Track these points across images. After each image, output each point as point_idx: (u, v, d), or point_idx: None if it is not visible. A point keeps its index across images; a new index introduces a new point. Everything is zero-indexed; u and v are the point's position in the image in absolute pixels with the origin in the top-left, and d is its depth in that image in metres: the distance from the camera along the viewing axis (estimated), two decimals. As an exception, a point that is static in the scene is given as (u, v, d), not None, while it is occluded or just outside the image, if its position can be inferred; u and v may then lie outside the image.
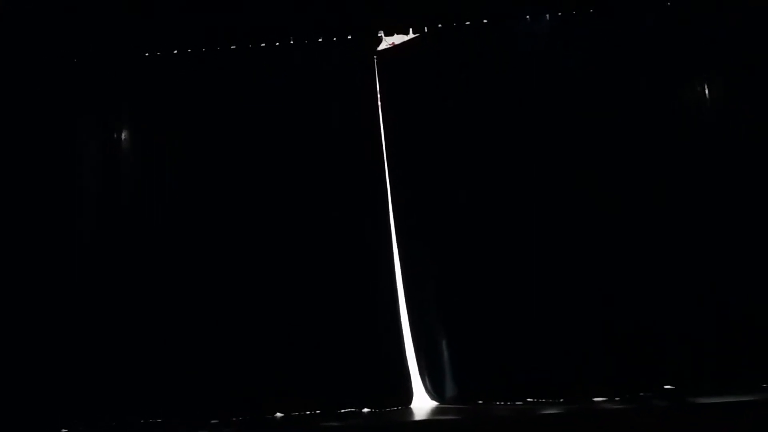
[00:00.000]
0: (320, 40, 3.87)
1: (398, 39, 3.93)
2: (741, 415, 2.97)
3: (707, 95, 3.60)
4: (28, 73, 3.88)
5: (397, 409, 3.56)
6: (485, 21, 3.79)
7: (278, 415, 3.60)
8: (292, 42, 3.88)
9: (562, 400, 3.41)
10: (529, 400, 3.46)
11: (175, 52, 3.90)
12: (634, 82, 3.61)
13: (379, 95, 3.88)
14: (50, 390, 3.60)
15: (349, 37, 3.87)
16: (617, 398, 3.35)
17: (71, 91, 3.89)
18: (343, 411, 3.57)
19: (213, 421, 3.54)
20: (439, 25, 3.83)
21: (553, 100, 3.65)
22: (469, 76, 3.75)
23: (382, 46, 3.91)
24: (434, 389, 3.63)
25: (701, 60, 3.62)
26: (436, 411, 3.49)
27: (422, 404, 3.61)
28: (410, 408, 3.57)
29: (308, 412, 3.58)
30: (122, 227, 3.79)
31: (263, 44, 3.88)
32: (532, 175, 3.63)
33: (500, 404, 3.48)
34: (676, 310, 3.41)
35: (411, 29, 3.87)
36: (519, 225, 3.60)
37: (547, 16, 3.75)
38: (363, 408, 3.59)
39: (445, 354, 3.60)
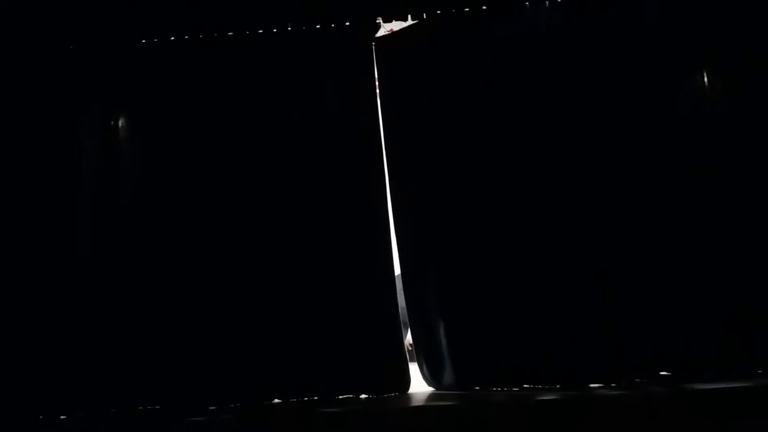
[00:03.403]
0: (318, 26, 3.86)
1: (396, 26, 3.92)
2: (737, 401, 2.97)
3: (714, 89, 3.56)
4: (24, 60, 3.87)
5: (395, 395, 3.58)
6: (484, 7, 3.77)
7: (276, 401, 3.62)
8: (290, 28, 3.86)
9: (558, 386, 3.42)
10: (525, 386, 3.48)
11: (173, 38, 3.88)
12: (639, 73, 3.57)
13: (377, 82, 3.87)
14: (49, 377, 3.61)
15: (347, 24, 3.85)
16: (613, 385, 3.37)
17: (67, 79, 3.87)
18: (341, 397, 3.59)
19: (211, 408, 3.56)
20: (438, 12, 3.81)
21: (555, 88, 3.62)
22: (469, 64, 3.73)
23: (380, 33, 3.90)
24: (432, 375, 3.65)
25: (707, 51, 3.58)
26: (433, 397, 3.50)
27: (420, 390, 3.63)
28: (408, 394, 3.58)
29: (306, 399, 3.60)
30: (120, 216, 3.79)
31: (261, 30, 3.87)
32: (532, 163, 3.61)
33: (497, 390, 3.50)
34: (673, 297, 3.42)
35: (410, 15, 3.85)
36: (517, 213, 3.60)
37: (547, 2, 3.73)
38: (361, 394, 3.61)
39: (443, 341, 3.61)
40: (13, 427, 3.53)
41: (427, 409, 3.29)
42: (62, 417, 3.62)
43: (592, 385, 3.39)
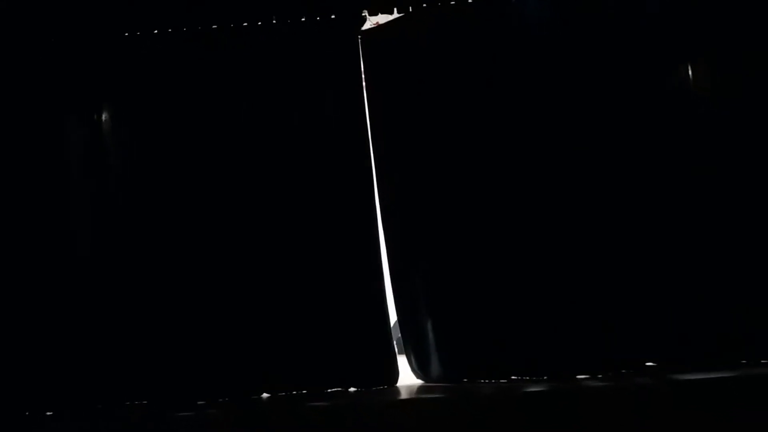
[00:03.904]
0: (303, 19, 3.83)
1: (383, 18, 3.90)
2: (722, 391, 3.00)
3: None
4: (3, 54, 3.82)
5: (383, 388, 3.58)
6: (470, 0, 3.76)
7: (264, 395, 3.62)
8: (274, 21, 3.84)
9: (545, 377, 3.44)
10: (513, 378, 3.50)
11: (156, 32, 3.84)
12: (635, 65, 3.56)
13: (363, 77, 3.85)
14: (35, 373, 3.59)
15: (333, 17, 3.83)
16: (600, 376, 3.39)
17: (49, 74, 3.81)
18: (329, 390, 3.59)
19: (199, 402, 3.55)
20: (424, 5, 3.79)
21: (545, 82, 3.61)
22: (456, 57, 3.71)
23: (366, 26, 3.88)
24: (420, 368, 3.66)
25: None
26: (421, 389, 3.52)
27: (408, 383, 3.64)
28: (396, 387, 3.59)
29: (295, 392, 3.60)
30: (109, 212, 3.75)
31: (245, 23, 3.84)
32: (520, 157, 3.60)
33: (485, 382, 3.51)
34: (659, 288, 3.44)
35: (396, 8, 3.83)
36: (504, 207, 3.60)
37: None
38: (349, 387, 3.61)
39: (431, 333, 3.61)
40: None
41: (416, 401, 3.31)
42: (48, 413, 3.60)
43: (579, 377, 3.40)
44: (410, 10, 3.81)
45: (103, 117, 3.83)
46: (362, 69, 3.85)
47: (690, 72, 3.58)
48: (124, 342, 3.61)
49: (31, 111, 3.79)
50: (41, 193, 3.73)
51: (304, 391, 3.60)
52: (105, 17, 3.79)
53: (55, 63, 3.83)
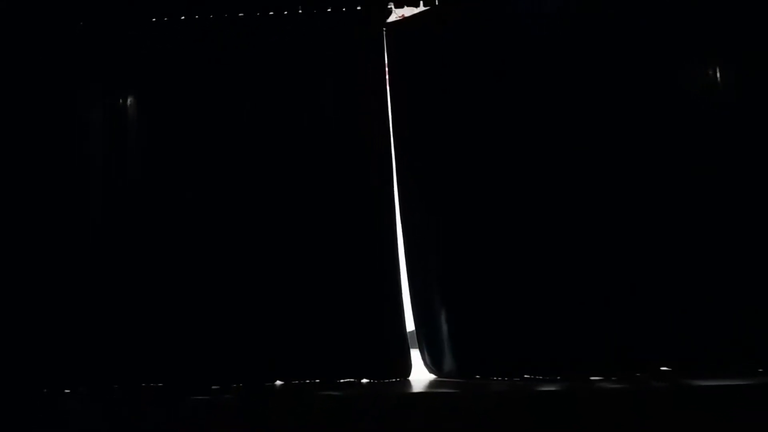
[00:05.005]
0: (329, 10, 3.83)
1: (408, 11, 3.89)
2: (736, 398, 2.98)
3: (720, 86, 3.52)
4: (32, 37, 3.86)
5: (396, 380, 3.60)
6: (498, -7, 3.74)
7: (278, 382, 3.64)
8: (300, 11, 3.84)
9: (559, 378, 3.43)
10: (526, 376, 3.49)
11: (183, 18, 3.87)
12: (651, 64, 3.54)
13: (387, 69, 3.85)
14: (53, 352, 3.65)
15: (358, 8, 3.83)
16: (614, 378, 3.37)
17: (76, 56, 3.86)
18: (342, 381, 3.61)
19: (213, 387, 3.59)
20: (450, -3, 3.79)
21: (568, 77, 3.59)
22: (481, 51, 3.70)
23: (391, 18, 3.87)
24: (433, 362, 3.67)
25: (710, 48, 3.55)
26: (433, 384, 3.52)
27: (420, 377, 3.65)
28: (408, 380, 3.60)
29: (308, 381, 3.63)
30: (125, 195, 3.80)
31: (271, 13, 3.85)
32: (541, 155, 3.59)
33: (498, 380, 3.51)
34: (675, 293, 3.41)
35: (422, 1, 3.83)
36: (521, 203, 3.59)
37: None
38: (362, 378, 3.63)
39: (445, 328, 3.62)
40: (17, 400, 3.57)
41: (427, 395, 3.31)
42: (66, 391, 3.66)
43: (592, 378, 3.39)
44: (436, 3, 3.80)
45: (128, 102, 3.87)
46: (386, 61, 3.84)
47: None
48: (142, 324, 3.66)
49: (54, 91, 3.85)
50: (60, 180, 3.78)
51: (317, 380, 3.62)
52: (132, 1, 3.82)
53: (81, 46, 3.88)
